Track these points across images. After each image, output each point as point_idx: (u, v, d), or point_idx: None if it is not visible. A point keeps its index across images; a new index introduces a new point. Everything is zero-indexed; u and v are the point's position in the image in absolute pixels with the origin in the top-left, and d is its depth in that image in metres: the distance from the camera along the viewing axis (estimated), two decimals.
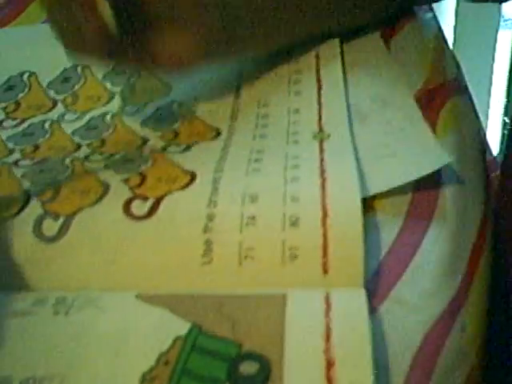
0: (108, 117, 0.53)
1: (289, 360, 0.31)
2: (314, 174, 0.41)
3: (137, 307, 0.35)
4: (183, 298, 0.36)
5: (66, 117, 0.54)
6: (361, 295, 0.35)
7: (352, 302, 0.34)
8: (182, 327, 0.34)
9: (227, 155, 0.45)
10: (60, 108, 0.56)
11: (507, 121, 1.92)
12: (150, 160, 0.46)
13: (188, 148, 0.47)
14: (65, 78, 0.60)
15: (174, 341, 0.33)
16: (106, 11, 0.44)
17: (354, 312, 0.34)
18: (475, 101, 0.58)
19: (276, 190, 0.40)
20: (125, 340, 0.33)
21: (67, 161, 0.48)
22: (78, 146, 0.50)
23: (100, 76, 0.59)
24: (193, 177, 0.43)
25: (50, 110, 0.56)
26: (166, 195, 0.41)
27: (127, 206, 0.41)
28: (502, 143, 1.99)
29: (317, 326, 0.33)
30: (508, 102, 1.88)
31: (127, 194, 0.42)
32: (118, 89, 0.57)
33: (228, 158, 0.45)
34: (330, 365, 0.31)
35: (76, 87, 0.59)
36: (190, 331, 0.33)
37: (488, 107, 1.85)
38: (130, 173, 0.44)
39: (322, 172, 0.41)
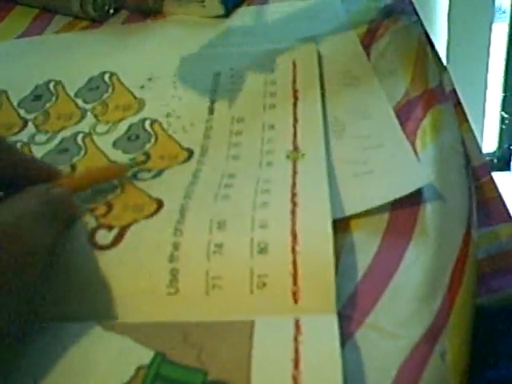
0: (79, 137, 0.54)
1: None
2: (285, 199, 0.42)
3: (98, 336, 0.36)
4: (147, 326, 0.36)
5: (37, 138, 0.55)
6: (332, 321, 0.35)
7: (323, 327, 0.35)
8: (145, 356, 0.34)
9: (198, 180, 0.46)
10: (31, 128, 0.56)
11: (505, 115, 1.92)
12: (118, 188, 0.46)
13: (158, 174, 0.48)
14: (36, 96, 0.61)
15: (137, 370, 0.34)
16: None
17: (325, 337, 0.34)
18: (471, 96, 0.58)
19: (245, 216, 0.41)
20: (85, 370, 0.34)
21: None
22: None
23: (72, 93, 0.60)
24: (160, 204, 0.43)
25: (21, 130, 0.57)
26: (131, 224, 0.42)
27: (92, 235, 0.42)
28: (500, 138, 2.00)
29: (285, 350, 0.33)
30: (505, 96, 1.88)
31: (92, 224, 0.43)
32: (90, 106, 0.57)
33: (198, 182, 0.45)
34: None
35: (47, 105, 0.59)
36: (154, 359, 0.34)
37: (484, 102, 1.86)
38: (96, 203, 0.45)
39: (293, 196, 0.42)
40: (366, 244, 0.41)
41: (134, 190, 0.46)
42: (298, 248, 0.38)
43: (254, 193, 0.43)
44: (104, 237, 0.41)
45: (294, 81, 0.55)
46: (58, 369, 0.34)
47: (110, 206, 0.44)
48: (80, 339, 0.36)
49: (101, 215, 0.43)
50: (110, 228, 0.42)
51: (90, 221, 0.43)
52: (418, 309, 0.37)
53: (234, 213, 0.41)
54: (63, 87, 0.61)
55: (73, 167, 0.50)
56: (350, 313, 0.37)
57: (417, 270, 0.39)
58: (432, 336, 0.36)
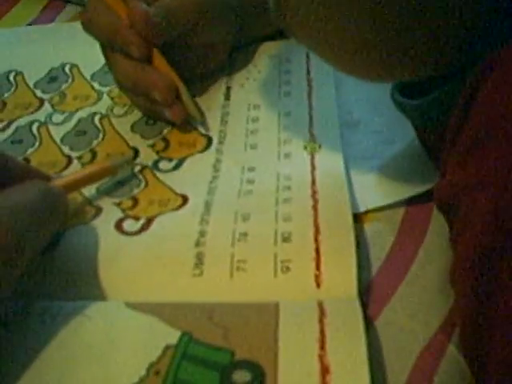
0: (97, 118, 0.55)
1: (283, 367, 0.33)
2: (306, 196, 0.43)
3: (125, 315, 0.36)
4: (173, 306, 0.37)
5: (54, 118, 0.56)
6: (355, 305, 0.36)
7: (347, 310, 0.35)
8: (172, 335, 0.35)
9: (219, 173, 0.47)
10: (47, 108, 0.57)
11: None
12: (142, 182, 0.47)
13: (180, 164, 0.48)
14: (52, 78, 0.61)
15: (165, 350, 0.34)
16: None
17: (349, 320, 0.35)
18: None
19: (268, 210, 0.42)
20: (113, 349, 0.35)
21: None
22: (69, 160, 0.51)
23: (88, 75, 0.61)
24: (185, 200, 0.45)
25: (37, 109, 0.57)
26: (158, 215, 0.43)
27: (119, 224, 0.43)
28: None
29: (311, 331, 0.34)
30: None
31: (119, 215, 0.44)
32: (106, 89, 0.58)
33: (220, 177, 0.46)
34: (325, 371, 0.32)
35: (63, 86, 0.60)
36: (181, 339, 0.34)
37: None
38: (122, 197, 0.46)
39: (314, 193, 0.43)
40: (382, 237, 0.42)
41: (157, 185, 0.47)
42: (320, 237, 0.39)
43: (275, 189, 0.44)
44: (131, 225, 0.43)
45: (309, 71, 0.56)
46: (84, 347, 0.35)
47: (135, 200, 0.45)
48: (107, 317, 0.36)
49: (127, 208, 0.44)
50: (137, 218, 0.43)
51: (116, 213, 0.44)
52: (435, 301, 0.38)
53: (257, 207, 0.43)
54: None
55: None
56: (367, 303, 0.38)
57: (432, 263, 0.40)
58: (448, 327, 0.36)
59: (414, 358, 0.35)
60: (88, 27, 0.52)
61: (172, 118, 0.50)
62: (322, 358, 0.33)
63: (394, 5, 0.33)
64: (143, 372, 0.33)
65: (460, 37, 0.34)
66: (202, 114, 0.52)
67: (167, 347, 0.34)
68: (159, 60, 0.50)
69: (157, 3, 0.50)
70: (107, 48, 0.52)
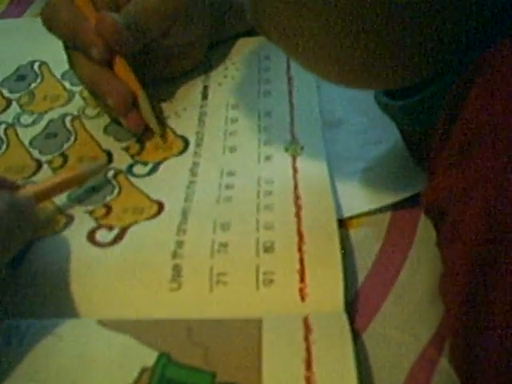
0: (68, 120, 0.52)
1: None
2: (288, 202, 0.41)
3: (98, 334, 0.34)
4: (149, 324, 0.35)
5: (22, 119, 0.53)
6: (342, 319, 0.34)
7: (333, 325, 0.34)
8: (149, 356, 0.33)
9: (196, 178, 0.45)
10: (15, 108, 0.55)
11: None
12: (115, 188, 0.45)
13: (155, 168, 0.46)
14: (19, 76, 0.59)
15: (141, 372, 0.32)
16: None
17: (337, 336, 0.33)
18: None
19: (249, 218, 0.40)
20: (86, 373, 0.32)
21: None
22: (39, 164, 0.48)
23: (58, 74, 0.58)
24: (160, 207, 0.43)
25: (4, 110, 0.55)
26: (132, 224, 0.41)
27: (92, 234, 0.41)
28: None
29: (296, 350, 0.32)
30: None
31: (91, 224, 0.42)
32: (77, 88, 0.56)
33: (197, 182, 0.44)
34: None
35: (32, 85, 0.57)
36: (158, 361, 0.32)
37: None
38: (94, 204, 0.44)
39: (297, 199, 0.41)
40: (368, 243, 0.41)
41: (132, 191, 0.45)
42: (304, 247, 0.38)
43: (256, 195, 0.42)
44: (104, 236, 0.41)
45: (289, 68, 0.54)
46: (54, 370, 0.33)
47: (108, 208, 0.43)
48: (78, 337, 0.34)
49: (100, 217, 0.42)
50: (110, 228, 0.41)
51: (88, 222, 0.42)
52: (425, 311, 0.36)
53: (237, 215, 0.41)
54: None
55: None
56: (353, 315, 0.36)
57: (421, 271, 0.38)
58: (439, 340, 0.35)
59: (406, 374, 0.33)
60: (48, 24, 0.49)
61: (128, 127, 0.48)
62: (308, 379, 0.31)
63: (372, 15, 0.31)
64: None
65: (445, 42, 0.32)
66: (161, 127, 0.49)
67: (144, 369, 0.32)
68: (120, 65, 0.48)
69: (127, 7, 0.48)
70: (69, 46, 0.49)
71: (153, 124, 0.49)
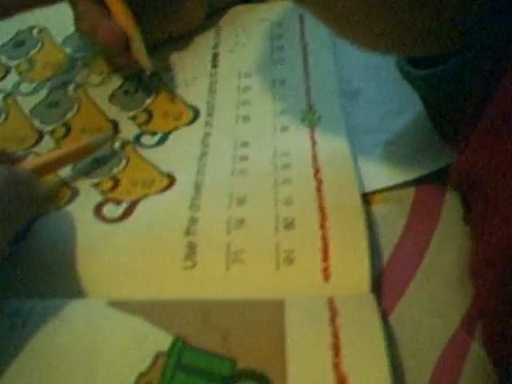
0: (70, 88, 0.50)
1: (293, 378, 0.28)
2: (308, 175, 0.39)
3: (108, 316, 0.32)
4: (163, 306, 0.32)
5: (22, 87, 0.51)
6: (370, 301, 0.32)
7: (361, 307, 0.31)
8: (163, 341, 0.30)
9: (208, 149, 0.42)
10: (14, 76, 0.52)
11: None
12: (122, 160, 0.42)
13: (164, 138, 0.44)
14: (18, 42, 0.56)
15: (156, 358, 0.30)
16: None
17: (365, 318, 0.31)
18: None
19: (266, 192, 0.38)
20: (95, 358, 0.30)
21: None
22: (40, 135, 0.46)
23: (59, 40, 0.56)
24: (172, 180, 0.40)
25: (3, 77, 0.53)
26: (142, 198, 0.39)
27: (98, 209, 0.39)
28: None
29: (323, 335, 0.30)
30: None
31: (98, 198, 0.39)
32: (80, 55, 0.53)
33: (209, 153, 0.42)
34: (341, 382, 0.28)
35: (32, 52, 0.55)
36: (174, 345, 0.30)
37: None
38: (101, 177, 0.41)
39: (316, 172, 0.39)
40: (393, 220, 0.38)
41: (140, 163, 0.42)
42: (327, 224, 0.35)
43: (273, 168, 0.40)
44: (112, 211, 0.38)
45: (303, 35, 0.51)
46: (60, 355, 0.30)
47: (116, 181, 0.41)
48: (86, 319, 0.32)
49: (107, 190, 0.40)
50: (118, 202, 0.39)
51: (95, 195, 0.40)
52: (454, 291, 0.34)
53: (254, 189, 0.38)
54: None
55: None
56: (378, 297, 0.33)
57: (449, 249, 0.36)
58: (470, 323, 0.32)
59: (436, 359, 0.31)
60: None
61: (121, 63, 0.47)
62: (337, 366, 0.28)
63: None
64: None
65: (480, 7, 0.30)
66: (153, 64, 0.47)
67: (158, 355, 0.30)
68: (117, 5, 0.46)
69: None
70: None
71: (145, 62, 0.46)
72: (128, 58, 0.46)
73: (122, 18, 0.46)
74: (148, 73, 0.46)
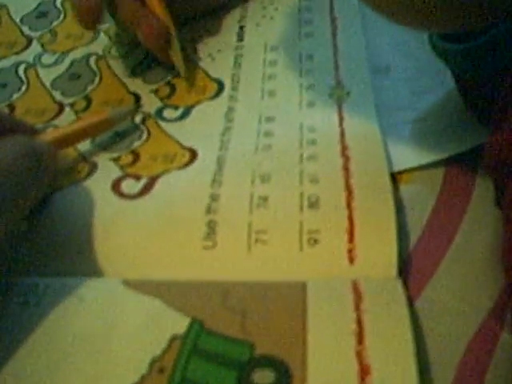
0: (92, 60, 0.49)
1: (313, 367, 0.27)
2: (335, 152, 0.37)
3: (123, 296, 0.31)
4: (180, 286, 0.31)
5: (43, 58, 0.50)
6: (397, 284, 0.30)
7: (387, 291, 0.30)
8: (180, 323, 0.29)
9: (233, 124, 0.41)
10: (36, 47, 0.51)
11: None
12: (143, 134, 0.41)
13: (187, 113, 0.43)
14: (41, 12, 0.55)
15: (171, 341, 0.28)
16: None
17: (391, 304, 0.29)
18: None
19: (291, 169, 0.37)
20: (108, 340, 0.29)
21: None
22: (60, 107, 0.45)
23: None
24: (194, 155, 0.39)
25: (25, 48, 0.51)
26: (162, 174, 0.38)
27: (117, 184, 0.38)
28: None
29: (346, 321, 0.28)
30: None
31: (117, 173, 0.38)
32: (103, 26, 0.52)
33: (233, 128, 0.41)
34: (364, 372, 0.27)
35: (55, 23, 0.54)
36: (190, 328, 0.29)
37: None
38: (120, 151, 0.40)
39: (344, 149, 0.37)
40: (421, 201, 0.37)
41: (161, 137, 0.41)
42: (353, 203, 0.34)
43: (299, 144, 0.38)
44: (131, 186, 0.37)
45: (332, 8, 0.50)
46: (74, 336, 0.29)
47: (136, 155, 0.40)
48: (101, 299, 0.31)
49: (126, 165, 0.39)
50: (137, 178, 0.38)
51: (113, 170, 0.39)
52: (485, 277, 0.32)
53: (278, 165, 0.37)
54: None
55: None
56: (405, 281, 0.32)
57: (480, 232, 0.34)
58: (501, 310, 0.31)
59: (464, 347, 0.30)
60: None
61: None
62: (360, 354, 0.27)
63: None
64: (144, 369, 0.27)
65: None
66: (188, 70, 0.46)
67: (174, 338, 0.28)
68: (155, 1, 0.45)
69: None
70: None
71: (181, 66, 0.45)
72: (166, 56, 0.45)
73: (162, 16, 0.45)
74: (183, 77, 0.45)
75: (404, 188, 0.37)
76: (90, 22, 0.44)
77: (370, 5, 0.33)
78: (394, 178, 0.37)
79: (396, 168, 0.38)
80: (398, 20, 0.33)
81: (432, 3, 0.29)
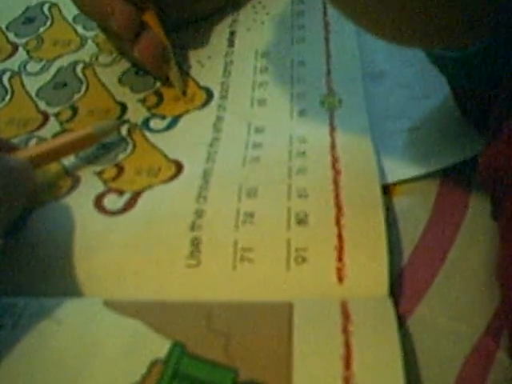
0: (79, 68, 0.48)
1: None
2: (325, 165, 0.36)
3: (104, 318, 0.30)
4: (163, 307, 0.30)
5: (29, 66, 0.49)
6: (386, 304, 0.29)
7: (376, 312, 0.29)
8: (161, 346, 0.28)
9: (221, 135, 0.40)
10: (22, 54, 0.50)
11: None
12: (129, 145, 0.41)
13: (174, 122, 0.42)
14: (27, 19, 0.54)
15: (151, 365, 0.27)
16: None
17: (380, 326, 0.28)
18: None
19: (279, 183, 0.36)
20: (87, 364, 0.28)
21: None
22: (45, 117, 0.44)
23: (70, 17, 0.54)
24: (179, 168, 0.38)
25: (10, 56, 0.51)
26: (146, 189, 0.37)
27: (99, 199, 0.37)
28: None
29: (334, 345, 0.27)
30: None
31: (100, 188, 0.38)
32: (91, 33, 0.51)
33: (222, 138, 0.40)
34: None
35: (41, 29, 0.53)
36: (171, 352, 0.28)
37: None
38: (104, 164, 0.39)
39: (335, 161, 0.36)
40: (414, 214, 0.36)
41: (147, 149, 0.40)
42: (343, 220, 0.33)
43: (288, 156, 0.37)
44: (114, 202, 0.37)
45: (325, 13, 0.49)
46: (51, 360, 0.28)
47: (120, 169, 0.39)
48: (80, 321, 0.30)
49: (110, 179, 0.38)
50: (120, 193, 0.37)
51: (97, 184, 0.38)
52: (480, 294, 0.31)
53: (266, 179, 0.36)
54: None
55: None
56: (397, 298, 0.31)
57: (475, 248, 0.33)
58: (497, 328, 0.30)
59: (458, 368, 0.29)
60: None
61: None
62: (347, 380, 0.26)
63: None
64: None
65: None
66: (183, 85, 0.45)
67: (154, 362, 0.27)
68: (150, 17, 0.44)
69: None
70: None
71: (177, 82, 0.44)
72: (162, 72, 0.45)
73: (159, 32, 0.44)
74: (179, 92, 0.44)
75: (397, 200, 0.36)
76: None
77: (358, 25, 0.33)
78: (388, 189, 0.36)
79: (390, 179, 0.37)
80: (385, 38, 0.32)
81: (417, 23, 0.29)
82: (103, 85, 0.46)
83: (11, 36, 0.53)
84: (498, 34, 0.30)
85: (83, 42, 0.50)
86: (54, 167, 0.39)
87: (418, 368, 0.29)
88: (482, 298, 0.31)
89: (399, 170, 0.37)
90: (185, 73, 0.46)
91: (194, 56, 0.47)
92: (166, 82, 0.45)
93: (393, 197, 0.36)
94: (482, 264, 0.33)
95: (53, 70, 0.48)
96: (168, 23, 0.46)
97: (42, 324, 0.29)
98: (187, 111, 0.43)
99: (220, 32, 0.49)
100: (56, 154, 0.38)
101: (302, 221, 0.33)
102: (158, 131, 0.41)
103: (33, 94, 0.46)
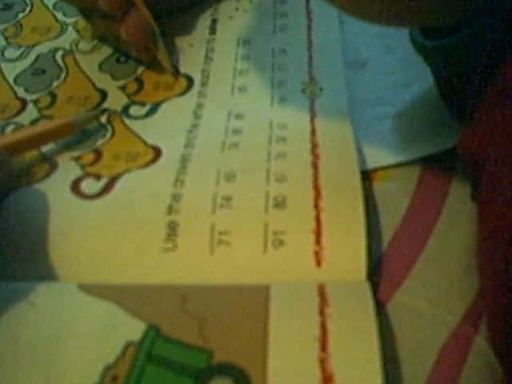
0: (59, 54, 0.48)
1: (273, 374, 0.26)
2: (305, 150, 0.36)
3: (78, 301, 0.30)
4: (138, 290, 0.30)
5: (7, 52, 0.49)
6: (364, 288, 0.29)
7: (354, 296, 0.29)
8: (135, 329, 0.28)
9: (200, 121, 0.40)
10: (0, 40, 0.51)
11: None
12: (108, 132, 0.41)
13: (154, 109, 0.42)
14: (6, 5, 0.54)
15: (125, 348, 0.27)
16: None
17: (357, 309, 0.28)
18: None
19: (258, 167, 0.36)
20: (60, 346, 0.28)
21: None
22: (23, 104, 0.44)
23: (50, 4, 0.54)
24: (157, 154, 0.38)
25: None
26: (123, 173, 0.37)
27: (76, 184, 0.37)
28: None
29: (310, 327, 0.27)
30: None
31: (77, 173, 0.38)
32: (71, 20, 0.51)
33: (201, 125, 0.40)
34: (327, 381, 0.26)
35: (20, 16, 0.53)
36: (146, 335, 0.28)
37: None
38: (83, 150, 0.39)
39: (314, 147, 0.36)
40: (395, 200, 0.36)
41: (126, 135, 0.40)
42: (321, 203, 0.33)
43: (267, 141, 0.38)
44: (91, 186, 0.37)
45: (308, 0, 0.49)
46: (24, 342, 0.28)
47: (98, 154, 0.39)
48: (54, 304, 0.30)
49: (87, 164, 0.38)
50: (98, 177, 0.37)
51: (74, 169, 0.38)
52: (459, 280, 0.32)
53: (244, 164, 0.36)
54: None
55: None
56: (376, 283, 0.32)
57: (454, 234, 0.34)
58: (475, 315, 0.30)
59: (436, 352, 0.29)
60: None
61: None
62: (323, 362, 0.26)
63: None
64: (96, 377, 0.26)
65: None
66: (173, 68, 0.45)
67: (128, 345, 0.27)
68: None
69: None
70: None
71: (165, 63, 0.45)
72: (147, 54, 0.45)
73: (146, 13, 0.44)
74: (168, 73, 0.45)
75: (378, 186, 0.36)
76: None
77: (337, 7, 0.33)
78: (368, 175, 0.37)
79: (370, 165, 0.37)
80: (364, 18, 0.33)
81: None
82: (83, 72, 0.46)
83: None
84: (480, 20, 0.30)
85: (63, 28, 0.50)
86: (30, 153, 0.39)
87: (396, 353, 0.29)
88: (461, 283, 0.31)
89: (380, 156, 0.37)
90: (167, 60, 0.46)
91: (176, 43, 0.47)
92: (152, 63, 0.45)
93: (373, 182, 0.37)
94: (462, 250, 0.33)
95: (32, 56, 0.48)
96: (151, 11, 0.46)
97: (15, 306, 0.29)
98: (167, 98, 0.43)
99: (202, 20, 0.49)
100: (33, 142, 0.38)
101: (280, 204, 0.33)
102: (138, 118, 0.41)
103: (11, 80, 0.46)
